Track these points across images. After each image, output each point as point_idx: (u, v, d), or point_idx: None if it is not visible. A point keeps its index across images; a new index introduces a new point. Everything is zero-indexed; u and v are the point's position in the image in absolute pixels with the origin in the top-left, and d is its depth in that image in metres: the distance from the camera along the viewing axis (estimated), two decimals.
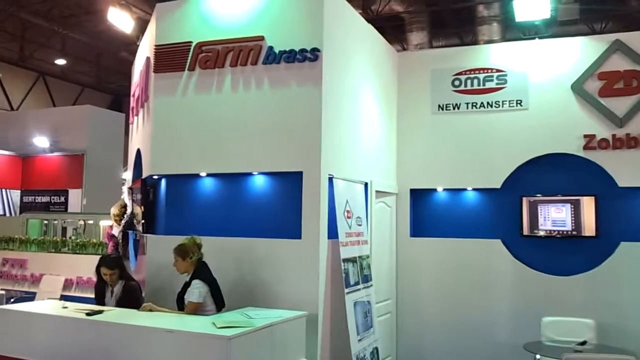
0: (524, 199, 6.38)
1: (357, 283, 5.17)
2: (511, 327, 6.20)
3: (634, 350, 4.88)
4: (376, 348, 5.39)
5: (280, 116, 5.05)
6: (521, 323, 6.07)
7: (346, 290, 4.90)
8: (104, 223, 8.18)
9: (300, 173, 4.90)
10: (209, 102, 5.34)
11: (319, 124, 4.88)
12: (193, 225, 5.32)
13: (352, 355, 4.80)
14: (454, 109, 6.73)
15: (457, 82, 6.74)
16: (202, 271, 4.57)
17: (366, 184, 5.88)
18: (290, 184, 5.01)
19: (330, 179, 5.01)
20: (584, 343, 4.85)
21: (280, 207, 5.10)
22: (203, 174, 5.38)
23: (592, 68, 6.24)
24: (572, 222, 6.20)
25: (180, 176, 5.49)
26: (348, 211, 5.20)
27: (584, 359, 4.10)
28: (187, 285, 4.54)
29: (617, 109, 6.12)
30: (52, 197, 11.53)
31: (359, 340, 4.99)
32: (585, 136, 6.20)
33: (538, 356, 4.96)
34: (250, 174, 5.23)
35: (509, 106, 6.52)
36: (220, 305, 4.57)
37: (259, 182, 5.25)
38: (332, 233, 5.00)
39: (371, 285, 5.53)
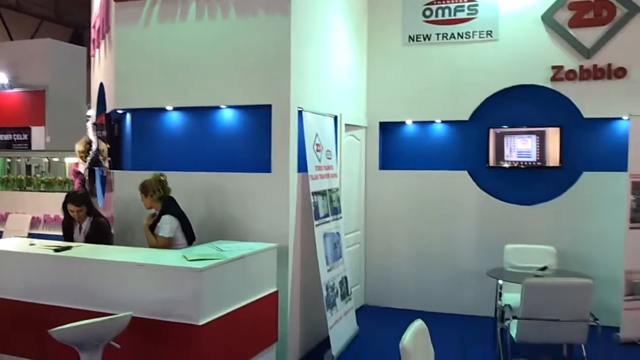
0: (491, 131, 6.45)
1: (326, 215, 5.23)
2: (476, 255, 6.42)
3: (591, 274, 5.10)
4: (345, 277, 5.53)
5: (248, 46, 4.91)
6: (485, 251, 6.28)
7: (315, 223, 4.96)
8: (70, 160, 8.02)
9: (269, 106, 4.83)
10: (174, 32, 5.15)
11: (288, 55, 4.77)
12: (161, 160, 5.26)
13: (322, 284, 4.93)
14: (424, 40, 6.64)
15: (427, 12, 6.63)
16: (170, 206, 4.55)
17: (336, 117, 5.84)
18: (259, 117, 4.94)
19: (300, 112, 4.96)
20: (544, 269, 5.04)
21: (249, 141, 5.05)
22: (169, 107, 5.26)
23: None
24: (537, 153, 6.32)
25: (146, 110, 5.37)
26: (318, 145, 5.19)
27: (544, 284, 4.27)
28: (157, 221, 4.52)
29: (585, 39, 6.13)
30: (15, 135, 11.17)
31: (329, 270, 5.11)
32: (553, 67, 6.22)
33: (500, 282, 5.16)
34: (218, 108, 5.14)
35: (479, 37, 6.46)
36: (190, 239, 4.59)
37: (228, 115, 5.17)
38: (302, 167, 5.00)
39: (340, 217, 5.61)
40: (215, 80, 5.00)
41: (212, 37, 5.03)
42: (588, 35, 6.12)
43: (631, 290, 5.47)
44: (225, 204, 4.96)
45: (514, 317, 4.28)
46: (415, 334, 2.82)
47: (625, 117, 5.99)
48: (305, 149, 4.95)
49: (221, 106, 5.10)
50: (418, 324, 2.91)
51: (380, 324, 6.13)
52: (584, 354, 4.43)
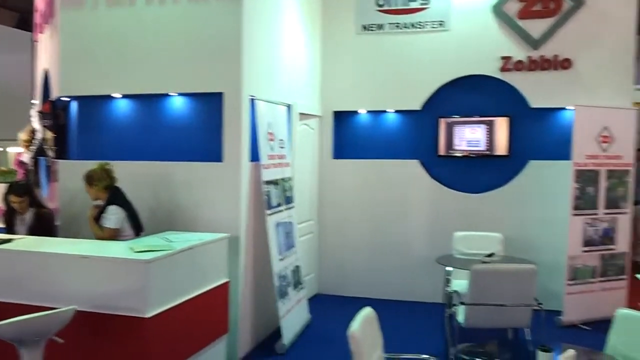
0: (442, 120, 6.55)
1: (279, 205, 5.22)
2: (427, 243, 6.53)
3: (535, 260, 5.27)
4: (298, 266, 5.54)
5: (198, 32, 4.81)
6: (436, 239, 6.40)
7: (268, 212, 4.94)
8: (13, 150, 7.71)
9: (221, 94, 4.76)
10: (122, 17, 5.00)
11: (239, 42, 4.70)
12: (108, 149, 5.12)
13: (274, 274, 4.92)
14: (378, 29, 6.66)
15: (381, 1, 6.64)
16: (116, 196, 4.43)
17: (289, 106, 5.81)
18: (210, 105, 4.87)
19: (252, 101, 4.90)
20: (491, 255, 5.18)
21: (200, 130, 4.96)
22: (117, 95, 5.11)
23: None
24: (486, 142, 6.45)
25: (93, 97, 5.20)
26: (270, 133, 5.15)
27: (489, 270, 4.38)
28: (102, 212, 4.40)
29: (533, 31, 6.27)
30: None
31: (281, 259, 5.10)
32: (502, 58, 6.34)
33: (449, 268, 5.27)
34: (167, 95, 5.03)
35: (432, 27, 6.52)
36: (138, 230, 4.49)
37: (178, 103, 5.07)
38: (254, 156, 4.96)
39: (293, 207, 5.60)
40: (165, 66, 4.89)
41: (161, 23, 4.91)
42: (536, 27, 6.26)
43: (573, 275, 5.68)
44: (174, 194, 4.88)
45: (462, 303, 4.38)
46: (363, 322, 2.85)
47: (570, 107, 6.17)
48: (258, 137, 4.91)
49: (171, 93, 4.99)
50: (367, 311, 2.94)
51: (333, 312, 6.18)
52: (528, 337, 4.58)
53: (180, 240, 4.03)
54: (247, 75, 4.79)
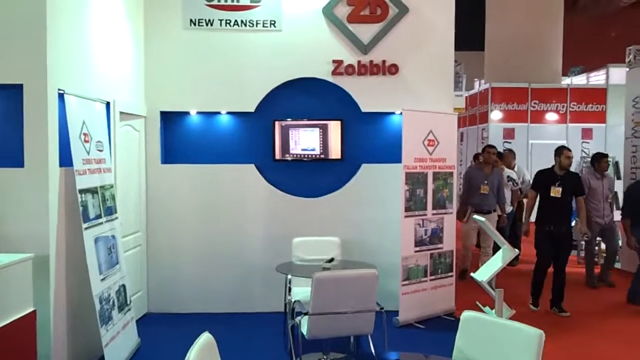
0: (277, 123, 6.34)
1: (98, 216, 4.54)
2: (265, 251, 6.26)
3: (372, 262, 5.29)
4: (123, 285, 4.89)
5: None
6: (274, 246, 6.15)
7: (84, 225, 4.25)
8: None
9: (20, 86, 4.01)
10: None
11: (43, 24, 3.99)
12: None
13: (94, 296, 4.24)
14: (207, 25, 6.24)
15: None
16: None
17: (108, 104, 5.13)
18: (6, 100, 4.06)
19: (61, 95, 4.19)
20: (331, 260, 5.07)
21: None
22: None
23: None
24: (320, 146, 6.39)
25: None
26: (85, 134, 4.46)
27: (332, 277, 4.22)
28: None
29: (363, 35, 6.34)
30: None
31: (102, 279, 4.43)
32: (334, 61, 6.32)
33: (289, 276, 5.05)
34: None
35: (263, 26, 6.28)
36: None
37: None
38: (66, 160, 4.24)
39: (116, 218, 4.94)
40: None
41: None
42: (365, 31, 6.34)
43: (407, 275, 5.82)
44: None
45: (305, 314, 4.15)
46: (200, 351, 2.46)
47: (397, 112, 6.36)
48: (70, 139, 4.20)
49: None
50: (203, 339, 2.55)
51: (165, 333, 5.60)
52: (370, 341, 4.50)
53: None
54: (53, 66, 4.09)
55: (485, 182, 7.48)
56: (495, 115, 14.22)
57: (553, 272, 6.36)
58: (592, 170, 7.57)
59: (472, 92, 16.20)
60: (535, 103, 14.23)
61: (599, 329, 5.83)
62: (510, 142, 13.55)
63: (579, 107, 14.25)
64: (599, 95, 14.30)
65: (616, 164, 8.80)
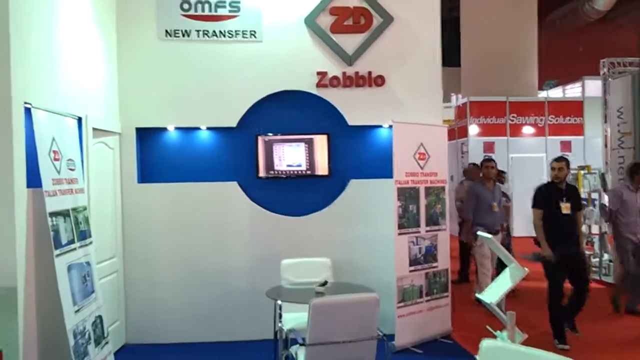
0: (260, 139, 6.03)
1: (71, 241, 4.13)
2: (250, 273, 5.89)
3: (365, 282, 4.98)
4: (99, 316, 4.47)
5: None
6: (261, 268, 5.79)
7: (56, 252, 3.84)
8: None
9: None
10: None
11: (6, 31, 3.61)
12: None
13: (68, 331, 3.83)
14: (183, 35, 5.92)
15: (186, 6, 5.93)
16: None
17: (80, 119, 4.75)
18: None
19: (28, 109, 3.81)
20: (324, 284, 4.72)
21: None
22: None
23: (324, 2, 6.06)
24: (306, 162, 6.09)
25: None
26: (55, 151, 4.07)
27: (331, 303, 3.88)
28: None
29: (347, 46, 6.09)
30: None
31: (77, 311, 4.02)
32: (318, 73, 6.06)
33: (279, 302, 4.69)
34: None
35: (243, 37, 5.99)
36: None
37: None
38: (34, 180, 3.84)
39: (91, 243, 4.52)
40: None
41: None
42: (349, 42, 6.10)
43: (402, 297, 5.51)
44: None
45: (302, 344, 3.80)
46: None
47: (386, 125, 6.11)
48: (38, 157, 3.81)
49: None
50: None
51: None
52: None
53: None
54: (19, 77, 3.71)
55: (493, 199, 6.88)
56: (473, 129, 14.16)
57: (574, 295, 5.67)
58: (627, 182, 6.82)
59: (449, 105, 16.17)
60: (513, 116, 14.22)
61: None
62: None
63: (557, 120, 14.30)
64: (575, 108, 14.39)
65: (602, 176, 8.69)
